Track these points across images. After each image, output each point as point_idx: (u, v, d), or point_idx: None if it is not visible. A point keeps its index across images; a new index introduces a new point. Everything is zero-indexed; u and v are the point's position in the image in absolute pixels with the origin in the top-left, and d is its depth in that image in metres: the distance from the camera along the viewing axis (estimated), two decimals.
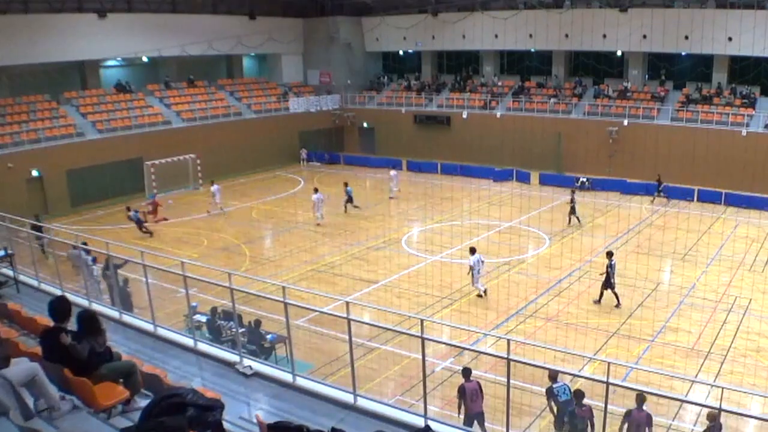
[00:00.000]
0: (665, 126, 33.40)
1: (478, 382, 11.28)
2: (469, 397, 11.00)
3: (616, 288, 18.14)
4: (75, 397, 6.30)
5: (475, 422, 10.94)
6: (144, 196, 30.66)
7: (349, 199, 28.60)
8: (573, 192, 27.19)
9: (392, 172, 32.28)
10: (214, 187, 28.71)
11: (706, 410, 11.49)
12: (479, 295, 18.85)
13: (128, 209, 25.79)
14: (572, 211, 26.18)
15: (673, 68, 37.25)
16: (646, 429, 10.20)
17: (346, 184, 28.87)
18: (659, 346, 15.44)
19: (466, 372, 11.26)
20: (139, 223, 25.43)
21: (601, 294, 18.31)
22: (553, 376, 11.18)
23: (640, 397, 10.03)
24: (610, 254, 18.36)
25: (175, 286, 14.12)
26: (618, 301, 18.10)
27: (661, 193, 30.22)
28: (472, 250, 19.00)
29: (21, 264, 12.77)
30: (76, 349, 6.26)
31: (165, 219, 27.76)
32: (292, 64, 45.50)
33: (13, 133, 29.61)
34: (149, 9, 37.39)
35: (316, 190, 27.19)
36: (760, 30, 31.00)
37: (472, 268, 18.70)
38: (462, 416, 11.02)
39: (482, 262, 18.95)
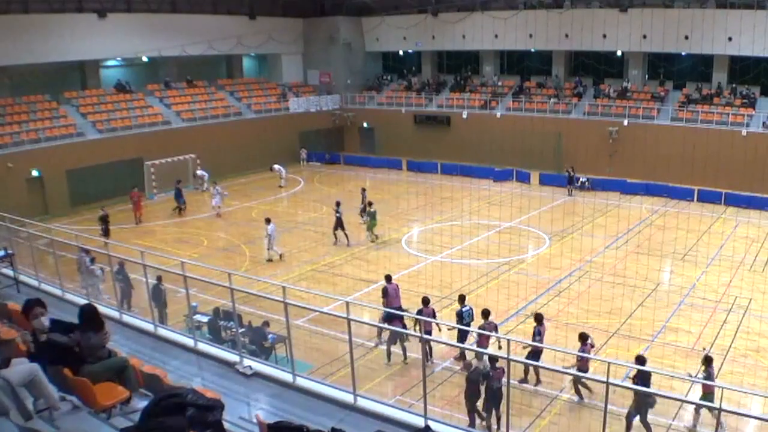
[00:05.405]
0: (665, 126, 33.39)
1: (397, 285, 15.43)
2: (391, 295, 14.88)
3: (345, 231, 23.36)
4: (75, 397, 6.30)
5: (396, 321, 13.27)
6: (144, 196, 30.66)
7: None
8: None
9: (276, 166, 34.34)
10: (214, 189, 28.82)
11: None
12: (269, 260, 22.24)
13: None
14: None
15: (673, 68, 37.25)
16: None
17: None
18: (659, 346, 15.43)
19: (388, 277, 15.43)
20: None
21: (335, 236, 23.58)
22: (462, 299, 14.23)
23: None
24: (338, 203, 23.54)
25: (175, 286, 14.17)
26: (347, 240, 23.46)
27: (573, 186, 32.00)
28: (267, 220, 22.12)
29: (21, 264, 12.78)
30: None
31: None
32: (292, 64, 45.46)
33: (13, 133, 29.57)
34: (149, 9, 37.36)
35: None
36: (760, 30, 31.01)
37: (269, 236, 21.87)
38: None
39: (275, 230, 22.21)
